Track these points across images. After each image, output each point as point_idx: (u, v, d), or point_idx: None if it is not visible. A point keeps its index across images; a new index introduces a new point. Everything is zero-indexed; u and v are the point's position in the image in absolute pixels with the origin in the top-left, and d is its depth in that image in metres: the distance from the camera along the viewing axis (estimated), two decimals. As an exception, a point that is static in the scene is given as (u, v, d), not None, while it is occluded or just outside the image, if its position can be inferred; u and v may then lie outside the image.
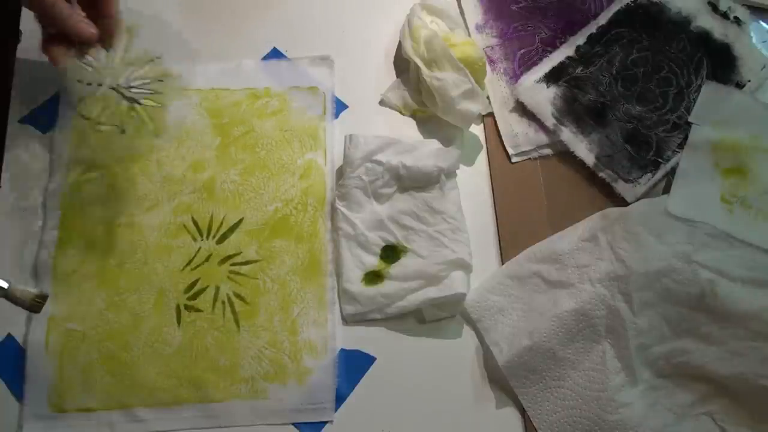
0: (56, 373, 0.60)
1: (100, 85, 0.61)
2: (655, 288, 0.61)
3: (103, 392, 0.60)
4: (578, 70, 0.73)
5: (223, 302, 0.63)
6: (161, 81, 0.63)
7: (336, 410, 0.60)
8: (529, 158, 0.71)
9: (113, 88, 0.61)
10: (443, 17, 0.73)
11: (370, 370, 0.62)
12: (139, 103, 0.61)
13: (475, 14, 0.77)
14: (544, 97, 0.72)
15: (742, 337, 0.59)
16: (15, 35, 0.74)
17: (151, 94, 0.62)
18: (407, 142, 0.67)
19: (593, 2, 0.78)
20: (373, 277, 0.64)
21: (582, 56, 0.74)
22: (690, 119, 0.70)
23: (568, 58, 0.74)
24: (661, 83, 0.73)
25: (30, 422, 0.59)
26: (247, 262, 0.64)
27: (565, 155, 0.71)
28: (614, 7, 0.77)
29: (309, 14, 0.77)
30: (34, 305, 0.54)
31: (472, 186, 0.69)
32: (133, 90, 0.62)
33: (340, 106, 0.72)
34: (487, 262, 0.66)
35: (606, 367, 0.60)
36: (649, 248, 0.61)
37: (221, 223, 0.66)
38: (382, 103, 0.73)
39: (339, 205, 0.65)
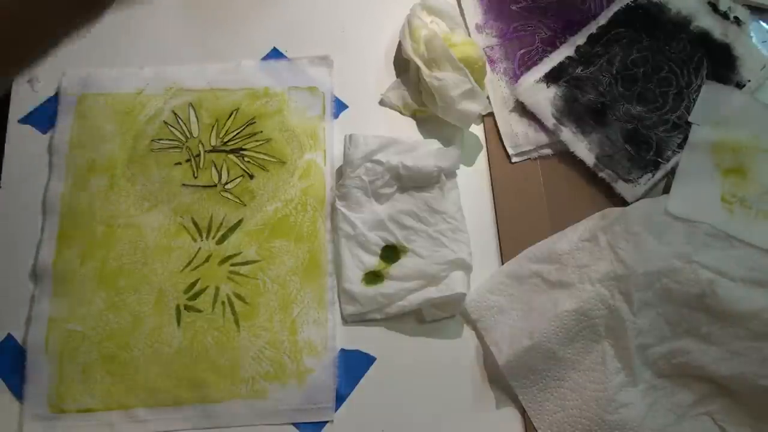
0: (56, 374, 0.60)
1: (197, 155, 0.67)
2: (655, 288, 0.61)
3: (103, 392, 0.60)
4: (578, 70, 0.73)
5: (223, 302, 0.63)
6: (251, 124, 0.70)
7: (336, 410, 0.60)
8: (529, 158, 0.71)
9: (211, 151, 0.68)
10: (443, 17, 0.73)
11: (370, 370, 0.62)
12: (244, 149, 0.68)
13: (475, 14, 0.77)
14: (544, 97, 0.72)
15: (742, 337, 0.59)
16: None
17: (248, 136, 0.69)
18: (407, 142, 0.68)
19: (593, 2, 0.78)
20: (373, 277, 0.64)
21: (582, 56, 0.74)
22: (690, 119, 0.70)
23: (568, 58, 0.74)
24: (661, 83, 0.73)
25: (30, 422, 0.59)
26: (246, 263, 0.64)
27: (565, 155, 0.71)
28: (614, 7, 0.76)
29: (309, 14, 0.77)
30: None
31: (472, 186, 0.69)
32: (230, 143, 0.68)
33: (339, 106, 0.72)
34: (487, 262, 0.66)
35: (606, 367, 0.60)
36: (649, 248, 0.61)
37: (221, 224, 0.66)
38: (382, 103, 0.73)
39: (339, 205, 0.65)
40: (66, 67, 0.71)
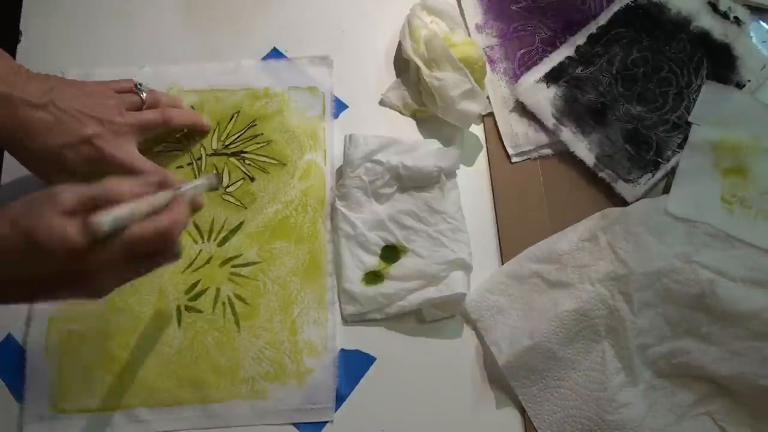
0: (56, 374, 0.60)
1: (199, 158, 0.67)
2: (655, 288, 0.61)
3: (103, 393, 0.60)
4: (578, 70, 0.73)
5: (224, 303, 0.63)
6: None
7: (336, 410, 0.60)
8: (529, 158, 0.71)
9: (212, 154, 0.68)
10: (443, 17, 0.73)
11: (370, 370, 0.62)
12: (246, 152, 0.68)
13: (475, 14, 0.77)
14: (544, 97, 0.72)
15: (742, 337, 0.59)
16: (15, 35, 0.74)
17: (249, 138, 0.69)
18: (407, 142, 0.67)
19: (593, 2, 0.78)
20: (373, 277, 0.64)
21: (582, 56, 0.74)
22: (690, 119, 0.70)
23: (568, 58, 0.74)
24: (661, 83, 0.73)
25: (30, 423, 0.59)
26: (247, 264, 0.64)
27: (565, 155, 0.71)
28: (614, 7, 0.76)
29: (309, 14, 0.77)
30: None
31: (472, 186, 0.69)
32: (231, 146, 0.68)
33: (340, 106, 0.72)
34: (487, 262, 0.66)
35: (606, 367, 0.60)
36: (649, 248, 0.61)
37: (222, 226, 0.66)
38: (382, 103, 0.73)
39: (339, 205, 0.65)
40: (66, 67, 0.71)
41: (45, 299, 0.51)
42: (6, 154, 0.68)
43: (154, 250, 0.48)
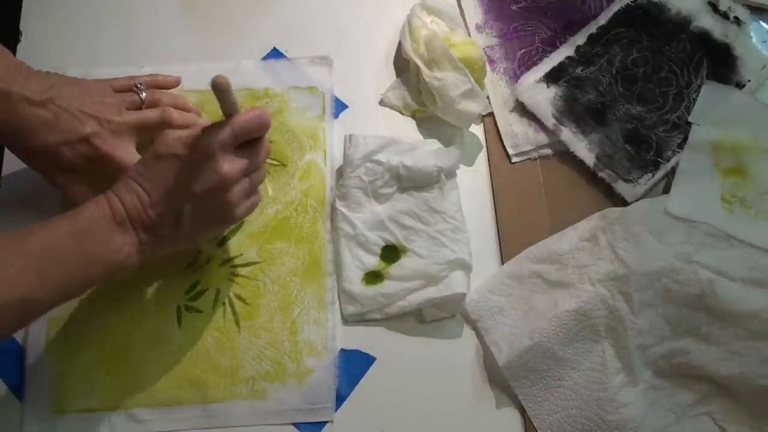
0: (56, 374, 0.60)
1: None
2: (655, 288, 0.61)
3: (103, 392, 0.60)
4: (578, 70, 0.73)
5: (224, 303, 0.63)
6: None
7: (336, 410, 0.60)
8: (529, 158, 0.71)
9: None
10: (443, 17, 0.73)
11: (370, 370, 0.62)
12: None
13: (475, 14, 0.77)
14: (544, 97, 0.72)
15: (742, 337, 0.59)
16: (15, 35, 0.74)
17: None
18: (407, 142, 0.67)
19: (593, 2, 0.78)
20: (373, 277, 0.64)
21: (582, 56, 0.74)
22: (690, 119, 0.70)
23: (568, 58, 0.74)
24: (661, 83, 0.73)
25: (30, 422, 0.59)
26: (247, 264, 0.64)
27: (565, 155, 0.71)
28: (614, 7, 0.76)
29: (309, 14, 0.77)
30: None
31: (472, 186, 0.69)
32: None
33: (339, 106, 0.72)
34: (487, 262, 0.66)
35: (606, 367, 0.60)
36: (649, 248, 0.61)
37: (222, 227, 0.66)
38: (382, 103, 0.73)
39: (339, 205, 0.65)
40: (66, 67, 0.71)
41: (198, 231, 0.56)
42: (6, 154, 0.68)
43: (257, 135, 0.55)
